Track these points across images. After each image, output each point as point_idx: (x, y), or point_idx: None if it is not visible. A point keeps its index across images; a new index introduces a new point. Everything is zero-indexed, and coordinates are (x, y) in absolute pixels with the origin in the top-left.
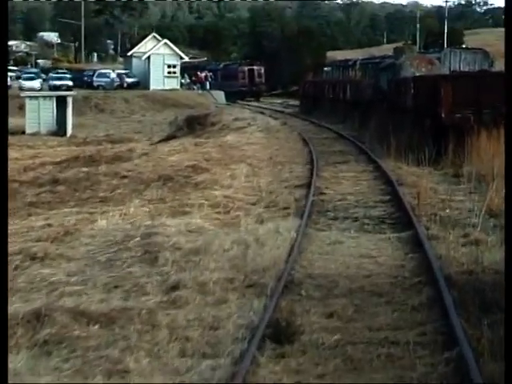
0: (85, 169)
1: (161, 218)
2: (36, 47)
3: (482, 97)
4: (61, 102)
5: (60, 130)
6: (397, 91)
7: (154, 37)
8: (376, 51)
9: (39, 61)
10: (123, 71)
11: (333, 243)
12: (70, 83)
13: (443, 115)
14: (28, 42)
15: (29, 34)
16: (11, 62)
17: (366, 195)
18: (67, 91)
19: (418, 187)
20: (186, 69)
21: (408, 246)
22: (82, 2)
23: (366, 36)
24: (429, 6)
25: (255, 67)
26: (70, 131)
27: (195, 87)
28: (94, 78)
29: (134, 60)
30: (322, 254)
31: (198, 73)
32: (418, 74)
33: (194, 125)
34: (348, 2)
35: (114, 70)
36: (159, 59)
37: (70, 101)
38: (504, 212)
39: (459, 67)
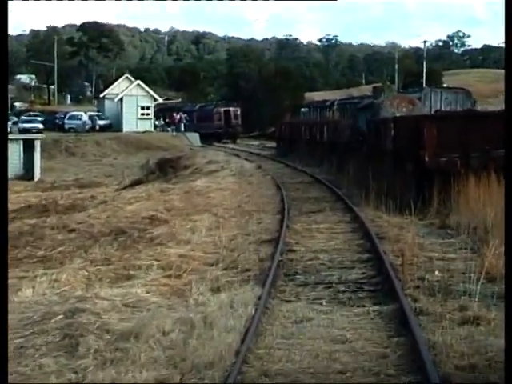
0: (31, 221)
1: (96, 288)
2: (13, 90)
3: (470, 139)
4: (28, 146)
5: (27, 174)
6: (376, 132)
7: (128, 78)
8: (355, 92)
9: (16, 103)
10: (95, 113)
11: (300, 321)
12: (41, 126)
13: (427, 159)
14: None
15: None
16: None
17: (342, 253)
18: (37, 134)
19: (401, 241)
20: (161, 110)
21: (392, 326)
22: (55, 44)
23: (345, 77)
24: (407, 47)
25: (231, 108)
26: (38, 175)
27: (169, 129)
28: (65, 121)
29: (107, 102)
30: (285, 338)
31: (174, 114)
32: (398, 115)
33: (166, 168)
34: (326, 43)
35: (85, 112)
36: (132, 101)
37: (37, 144)
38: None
39: (440, 107)
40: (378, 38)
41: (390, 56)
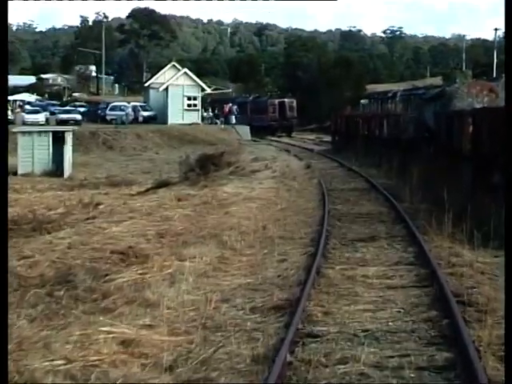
0: None
1: None
2: (72, 80)
3: None
4: (58, 139)
5: (57, 170)
6: (448, 129)
7: (174, 66)
8: (420, 84)
9: (75, 94)
10: (139, 104)
11: None
12: (79, 117)
13: None
14: (65, 76)
15: (67, 67)
16: (46, 96)
17: (402, 341)
18: (74, 125)
19: (498, 312)
20: (213, 102)
21: None
22: (103, 31)
23: (409, 69)
24: (473, 38)
25: (286, 100)
26: (68, 171)
27: (218, 121)
28: (107, 112)
29: (152, 92)
30: None
31: (224, 106)
32: (478, 106)
33: (208, 165)
34: (391, 35)
35: (129, 103)
36: (178, 90)
37: (68, 137)
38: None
39: None
40: (442, 31)
41: (456, 48)
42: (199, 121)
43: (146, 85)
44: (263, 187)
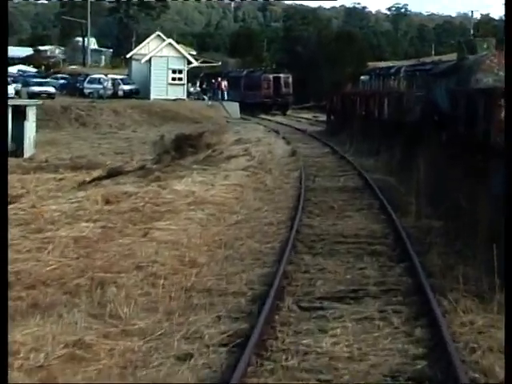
0: None
1: None
2: (70, 52)
3: None
4: (19, 114)
5: (17, 149)
6: (468, 112)
7: (159, 36)
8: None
9: (73, 66)
10: (119, 77)
11: None
12: (52, 90)
13: None
14: (63, 48)
15: (64, 39)
16: (42, 68)
17: None
18: (48, 99)
19: None
20: (207, 76)
21: None
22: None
23: (414, 47)
24: (479, 16)
25: (282, 75)
26: (29, 151)
27: (205, 97)
28: (85, 85)
29: (134, 63)
30: None
31: (213, 80)
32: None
33: (185, 147)
34: (395, 12)
35: (106, 75)
36: (162, 63)
37: (31, 112)
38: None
39: None
40: (448, 10)
41: (462, 26)
42: (184, 96)
43: (128, 56)
44: (227, 183)
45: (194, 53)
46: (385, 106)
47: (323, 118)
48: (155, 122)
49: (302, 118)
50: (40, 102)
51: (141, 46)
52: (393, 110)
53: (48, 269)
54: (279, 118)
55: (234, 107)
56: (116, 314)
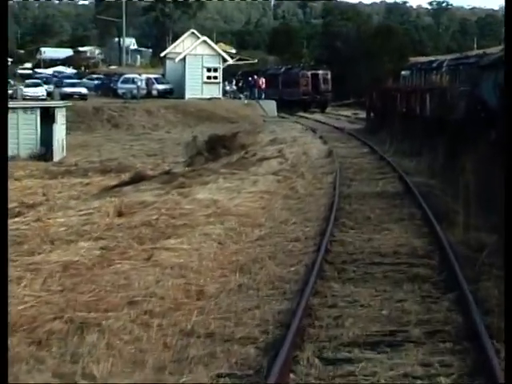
0: None
1: None
2: (108, 52)
3: None
4: (48, 116)
5: (46, 153)
6: None
7: (194, 34)
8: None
9: (112, 67)
10: (153, 76)
11: None
12: (84, 91)
13: None
14: (102, 48)
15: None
16: (82, 68)
17: None
18: (81, 100)
19: None
20: (245, 74)
21: None
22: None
23: (456, 41)
24: None
25: (320, 72)
26: (59, 154)
27: (242, 96)
28: (119, 85)
29: (168, 62)
30: None
31: (250, 78)
32: None
33: (218, 148)
34: (437, 7)
35: (140, 75)
36: (197, 61)
37: (60, 114)
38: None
39: None
40: (490, 3)
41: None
42: (220, 95)
43: (162, 55)
44: (255, 190)
45: (234, 51)
46: (427, 103)
47: (363, 115)
48: (190, 123)
49: (342, 115)
50: (70, 103)
51: (175, 44)
52: (435, 106)
53: (20, 308)
54: (318, 116)
55: (271, 105)
56: (89, 373)
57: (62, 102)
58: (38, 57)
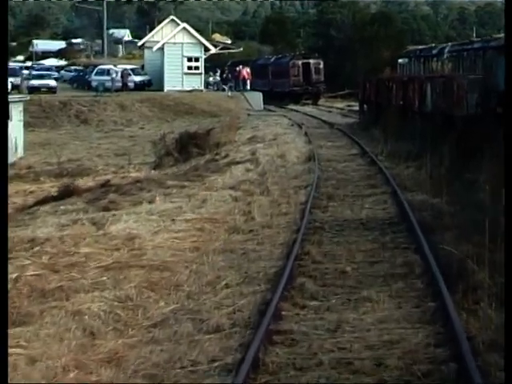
0: None
1: None
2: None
3: None
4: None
5: None
6: None
7: (173, 21)
8: None
9: (94, 59)
10: (130, 67)
11: None
12: (53, 83)
13: None
14: (97, 41)
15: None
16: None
17: None
18: (51, 93)
19: None
20: (235, 64)
21: None
22: None
23: (454, 30)
24: None
25: (312, 61)
26: (15, 155)
27: (225, 88)
28: (92, 77)
29: (146, 52)
30: None
31: (236, 69)
32: None
33: (190, 147)
34: None
35: (115, 66)
36: (176, 50)
37: (16, 110)
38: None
39: None
40: None
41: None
42: (202, 87)
43: (140, 44)
44: (196, 217)
45: (229, 41)
46: (427, 94)
47: (357, 107)
48: (167, 117)
49: (335, 107)
50: (28, 97)
51: (153, 32)
52: (436, 98)
53: None
54: (308, 109)
55: (256, 98)
56: None
57: (17, 96)
58: (31, 49)
